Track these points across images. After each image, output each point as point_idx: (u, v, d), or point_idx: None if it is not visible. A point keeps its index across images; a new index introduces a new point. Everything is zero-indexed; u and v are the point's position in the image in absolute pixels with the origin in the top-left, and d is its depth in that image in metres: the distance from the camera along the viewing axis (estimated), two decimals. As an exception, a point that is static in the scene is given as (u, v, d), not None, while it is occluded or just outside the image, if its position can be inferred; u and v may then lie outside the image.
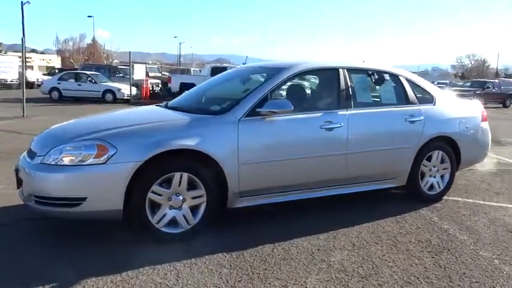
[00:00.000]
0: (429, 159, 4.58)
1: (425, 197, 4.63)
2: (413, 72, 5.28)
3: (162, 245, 3.32)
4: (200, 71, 30.58)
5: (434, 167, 4.63)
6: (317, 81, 4.56)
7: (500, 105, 23.51)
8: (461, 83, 31.36)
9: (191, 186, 3.41)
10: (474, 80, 30.44)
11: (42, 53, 69.43)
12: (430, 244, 3.54)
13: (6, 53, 32.67)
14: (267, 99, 3.75)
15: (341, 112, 4.06)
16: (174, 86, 21.01)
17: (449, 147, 4.66)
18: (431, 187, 4.66)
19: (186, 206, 3.41)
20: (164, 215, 3.35)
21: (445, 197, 4.79)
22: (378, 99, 4.67)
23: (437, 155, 4.60)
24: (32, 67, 42.24)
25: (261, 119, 3.68)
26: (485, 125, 5.02)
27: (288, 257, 3.20)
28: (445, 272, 3.04)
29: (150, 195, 3.26)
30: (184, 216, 3.40)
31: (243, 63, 30.76)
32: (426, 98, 4.66)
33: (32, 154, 3.45)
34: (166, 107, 4.41)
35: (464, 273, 3.03)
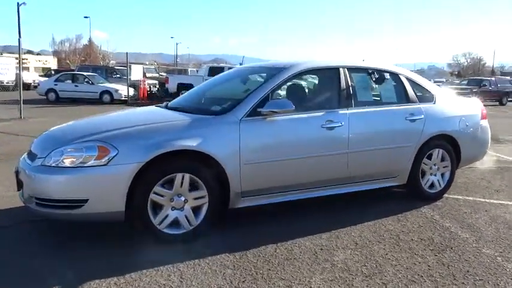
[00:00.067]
0: (429, 157, 4.58)
1: (426, 195, 4.64)
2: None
3: (165, 246, 3.31)
4: (197, 71, 30.59)
5: (434, 165, 4.64)
6: (317, 80, 4.56)
7: (497, 103, 23.60)
8: (457, 81, 31.46)
9: (193, 187, 3.39)
10: (471, 78, 30.53)
11: (38, 54, 69.18)
12: (432, 242, 3.54)
13: (1, 54, 32.54)
14: (268, 99, 3.74)
15: (342, 111, 4.05)
16: (172, 86, 20.97)
17: (450, 146, 4.67)
18: (432, 185, 4.67)
19: (188, 207, 3.40)
20: (166, 216, 3.34)
21: (445, 195, 4.79)
22: (379, 98, 4.67)
23: (437, 153, 4.61)
24: (28, 68, 42.09)
25: (262, 119, 3.67)
26: (484, 122, 5.03)
27: (291, 257, 3.19)
28: (448, 270, 3.04)
29: (152, 196, 3.25)
30: (186, 217, 3.39)
31: (240, 64, 30.78)
32: (426, 97, 4.66)
33: (32, 156, 3.43)
34: (166, 107, 4.39)
35: (467, 271, 3.03)
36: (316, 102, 4.25)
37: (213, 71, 20.43)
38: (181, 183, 3.33)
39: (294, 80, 4.23)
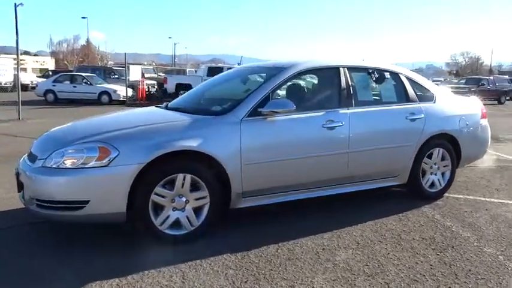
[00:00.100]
0: (430, 156, 4.58)
1: (426, 195, 4.64)
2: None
3: (166, 247, 3.30)
4: (196, 71, 30.55)
5: (435, 164, 4.64)
6: (318, 80, 4.55)
7: (496, 101, 23.64)
8: (456, 81, 31.52)
9: (194, 187, 3.39)
10: (469, 77, 30.59)
11: (35, 55, 69.04)
12: (434, 241, 3.54)
13: (-1, 55, 32.47)
14: (269, 99, 3.74)
15: (342, 111, 4.05)
16: (170, 86, 20.93)
17: (450, 145, 4.67)
18: (432, 184, 4.67)
19: (189, 208, 3.39)
20: (167, 217, 3.33)
21: (445, 194, 4.80)
22: (379, 98, 4.67)
23: (438, 152, 4.61)
24: (25, 69, 42.01)
25: (263, 119, 3.67)
26: (484, 121, 5.04)
27: (293, 257, 3.19)
28: (450, 270, 3.04)
29: (153, 197, 3.24)
30: (187, 217, 3.39)
31: (238, 63, 30.76)
32: (426, 96, 4.67)
33: (32, 157, 3.42)
34: (166, 108, 4.39)
35: (469, 270, 3.03)
36: (317, 102, 4.25)
37: (212, 71, 20.40)
38: (183, 183, 3.32)
39: (294, 80, 4.23)
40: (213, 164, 3.43)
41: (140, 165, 3.15)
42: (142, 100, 19.78)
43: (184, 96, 4.86)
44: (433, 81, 27.94)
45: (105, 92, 19.12)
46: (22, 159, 3.64)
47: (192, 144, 3.33)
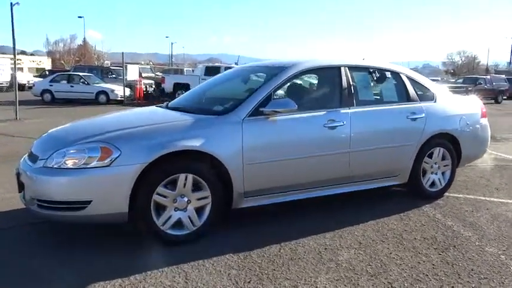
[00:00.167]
0: (430, 156, 4.59)
1: (427, 194, 4.64)
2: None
3: (168, 247, 3.29)
4: (193, 70, 30.49)
5: (435, 163, 4.65)
6: (319, 80, 4.54)
7: (493, 101, 23.72)
8: (453, 80, 31.61)
9: (196, 187, 3.38)
10: (466, 76, 30.69)
11: (31, 54, 68.74)
12: (435, 241, 3.54)
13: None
14: (270, 98, 3.73)
15: (343, 110, 4.05)
16: (168, 86, 20.90)
17: (450, 144, 4.67)
18: (433, 184, 4.68)
19: (191, 208, 3.38)
20: (169, 217, 3.32)
21: (446, 194, 4.81)
22: (380, 97, 4.67)
23: (438, 151, 4.62)
24: (21, 69, 41.84)
25: (265, 119, 3.66)
26: (484, 121, 5.04)
27: (296, 257, 3.18)
28: (453, 269, 3.04)
29: (155, 197, 3.23)
30: (189, 217, 3.37)
31: (235, 63, 30.73)
32: (427, 95, 4.67)
33: (33, 157, 3.40)
34: (167, 107, 4.37)
35: (472, 270, 3.03)
36: (318, 102, 4.24)
37: (210, 70, 20.40)
38: (184, 183, 3.31)
39: (295, 80, 4.22)
40: (215, 163, 3.42)
41: (142, 165, 3.14)
42: (140, 100, 19.73)
43: (184, 95, 4.85)
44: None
45: (103, 92, 19.08)
46: (22, 159, 3.62)
47: (194, 144, 3.32)
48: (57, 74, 21.73)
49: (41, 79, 24.44)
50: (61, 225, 3.70)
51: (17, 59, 13.21)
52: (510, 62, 53.52)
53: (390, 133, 4.28)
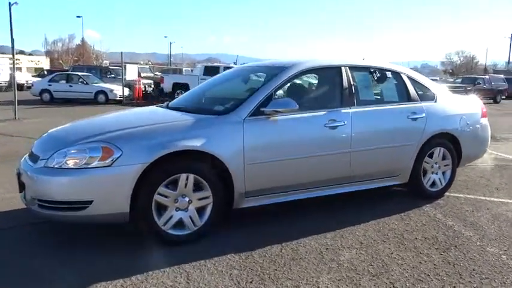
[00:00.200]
0: (431, 156, 4.59)
1: (427, 194, 4.65)
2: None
3: (170, 247, 3.29)
4: (192, 70, 30.46)
5: (436, 163, 4.65)
6: (320, 79, 4.54)
7: (491, 100, 23.76)
8: (451, 80, 31.65)
9: (197, 187, 3.37)
10: (465, 76, 30.74)
11: (30, 54, 68.59)
12: (436, 241, 3.54)
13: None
14: (271, 98, 3.73)
15: (344, 110, 4.05)
16: (167, 86, 20.87)
17: (451, 144, 4.68)
18: (433, 184, 4.68)
19: (192, 208, 3.38)
20: (171, 217, 3.31)
21: (446, 194, 4.81)
22: (380, 97, 4.67)
23: (438, 151, 4.62)
24: (20, 69, 41.78)
25: (265, 119, 3.66)
26: (484, 121, 5.05)
27: (297, 257, 3.18)
28: (454, 269, 3.04)
29: (156, 197, 3.22)
30: (190, 217, 3.37)
31: (234, 63, 30.71)
32: (427, 95, 4.67)
33: (34, 157, 3.39)
34: (167, 107, 4.37)
35: (473, 270, 3.04)
36: (319, 102, 4.23)
37: (208, 70, 20.39)
38: (186, 183, 3.30)
39: (295, 80, 4.21)
40: (216, 163, 3.42)
41: (143, 165, 3.13)
42: (139, 99, 19.72)
43: (185, 95, 4.84)
44: (429, 80, 28.03)
45: (102, 92, 19.06)
46: (23, 159, 3.61)
47: (196, 144, 3.32)
48: (56, 73, 21.70)
49: (40, 79, 24.41)
50: (62, 225, 3.69)
51: (16, 59, 13.18)
52: (508, 62, 53.59)
53: (391, 133, 4.28)
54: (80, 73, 20.64)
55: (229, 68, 18.59)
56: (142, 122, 3.60)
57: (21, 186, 3.44)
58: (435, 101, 4.65)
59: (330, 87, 4.28)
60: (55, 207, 3.15)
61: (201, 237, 3.41)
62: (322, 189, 4.03)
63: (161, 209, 3.29)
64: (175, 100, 4.73)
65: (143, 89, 20.93)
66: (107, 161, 3.10)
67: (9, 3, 13.15)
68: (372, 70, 4.49)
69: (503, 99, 25.51)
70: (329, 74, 4.27)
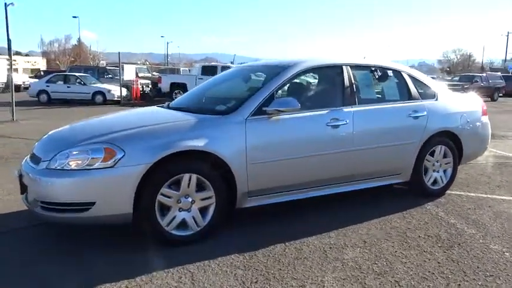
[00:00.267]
0: (432, 154, 4.59)
1: (429, 192, 4.65)
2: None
3: (173, 248, 3.28)
4: (189, 70, 30.43)
5: (437, 161, 4.65)
6: (321, 78, 4.53)
7: (489, 98, 23.80)
8: (449, 78, 31.72)
9: (200, 187, 3.36)
10: (462, 74, 30.80)
11: (26, 55, 68.42)
12: (440, 239, 3.54)
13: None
14: (273, 97, 3.72)
15: (346, 109, 4.05)
16: (165, 86, 20.85)
17: (452, 142, 4.68)
18: (435, 182, 4.68)
19: (195, 208, 3.37)
20: (174, 217, 3.30)
21: (447, 192, 4.81)
22: (382, 96, 4.67)
23: (440, 149, 4.62)
24: (16, 70, 41.63)
25: (267, 118, 3.65)
26: (485, 119, 5.06)
27: (301, 256, 3.18)
28: (458, 267, 3.05)
29: (159, 197, 3.21)
30: (193, 218, 3.36)
31: (231, 62, 30.67)
32: (428, 93, 4.67)
33: (36, 159, 3.37)
34: (168, 107, 4.35)
35: (477, 267, 3.04)
36: (320, 101, 4.21)
37: (206, 70, 20.37)
38: (189, 184, 3.29)
39: (297, 79, 4.21)
40: (219, 163, 3.40)
41: (146, 166, 3.12)
42: (137, 100, 19.69)
43: (185, 95, 4.83)
44: (427, 78, 28.04)
45: (99, 92, 18.99)
46: (24, 160, 3.59)
47: (198, 144, 3.31)
48: (54, 74, 21.61)
49: (37, 80, 24.33)
50: (65, 227, 3.68)
51: (12, 60, 13.13)
52: (505, 60, 53.76)
53: (393, 131, 4.28)
54: (77, 74, 20.55)
55: (227, 67, 18.59)
56: (144, 123, 3.58)
57: (23, 188, 3.42)
58: (436, 99, 4.66)
59: (332, 86, 4.27)
60: (58, 209, 3.13)
61: (204, 238, 3.40)
62: (324, 188, 4.03)
63: (164, 209, 3.28)
64: (176, 100, 4.72)
65: (141, 89, 20.89)
66: (109, 162, 3.09)
67: (5, 4, 13.09)
68: (373, 69, 4.49)
69: (501, 97, 25.59)
70: (330, 72, 4.27)
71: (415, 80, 4.65)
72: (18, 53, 61.23)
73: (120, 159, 3.10)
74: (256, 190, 3.63)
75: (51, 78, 19.83)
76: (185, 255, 3.16)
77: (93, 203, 3.07)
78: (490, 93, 24.14)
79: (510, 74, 32.61)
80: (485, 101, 5.38)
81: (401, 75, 4.60)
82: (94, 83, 19.84)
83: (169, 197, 3.26)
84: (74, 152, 3.17)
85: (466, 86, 21.71)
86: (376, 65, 4.53)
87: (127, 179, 3.10)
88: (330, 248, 3.34)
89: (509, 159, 6.97)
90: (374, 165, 4.24)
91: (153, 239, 3.32)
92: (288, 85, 4.10)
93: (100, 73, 23.37)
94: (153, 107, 4.73)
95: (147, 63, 45.58)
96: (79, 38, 61.15)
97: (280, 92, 4.03)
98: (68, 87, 19.21)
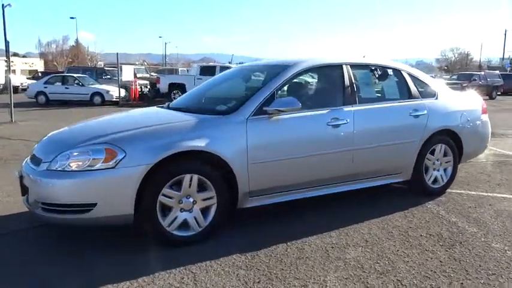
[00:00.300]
0: (432, 152, 4.59)
1: (429, 191, 4.65)
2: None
3: (175, 249, 3.27)
4: (188, 70, 30.39)
5: (437, 160, 4.65)
6: (322, 78, 4.52)
7: (487, 97, 23.84)
8: (447, 76, 31.76)
9: (201, 187, 3.36)
10: (461, 72, 30.84)
11: (23, 56, 68.30)
12: (441, 238, 3.54)
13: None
14: (274, 97, 3.72)
15: (346, 108, 4.04)
16: (163, 86, 20.82)
17: (452, 141, 4.68)
18: (435, 180, 4.68)
19: (196, 208, 3.36)
20: (175, 218, 3.29)
21: (448, 190, 4.81)
22: (382, 95, 4.67)
23: (440, 148, 4.63)
24: (14, 71, 41.55)
25: (268, 118, 3.64)
26: (485, 117, 5.07)
27: (303, 256, 3.17)
28: (460, 265, 3.04)
29: (160, 198, 3.20)
30: (195, 218, 3.35)
31: (229, 62, 30.66)
32: (428, 92, 4.67)
33: (36, 160, 3.36)
34: (168, 108, 4.35)
35: (480, 266, 3.04)
36: (321, 100, 4.21)
37: (205, 70, 20.35)
38: (190, 184, 3.28)
39: (298, 78, 4.20)
40: (220, 163, 3.40)
41: (148, 167, 3.11)
42: (136, 100, 19.67)
43: (186, 96, 4.82)
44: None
45: (98, 93, 18.97)
46: (24, 162, 3.58)
47: (199, 144, 3.30)
48: (52, 75, 21.55)
49: (34, 81, 24.27)
50: (65, 228, 3.66)
51: (10, 61, 13.09)
52: (503, 58, 53.84)
53: (393, 130, 4.27)
54: (75, 75, 20.51)
55: (225, 67, 18.56)
56: (144, 123, 3.57)
57: (24, 190, 3.41)
58: (436, 98, 4.66)
59: (332, 85, 4.26)
60: (59, 210, 3.12)
61: (206, 238, 3.39)
62: (325, 188, 4.03)
63: (166, 210, 3.27)
64: (176, 100, 4.71)
65: (139, 90, 20.85)
66: (111, 163, 3.08)
67: (2, 5, 13.06)
68: (373, 68, 4.49)
69: (499, 95, 25.63)
70: (331, 72, 4.27)
71: (415, 78, 4.66)
72: (15, 54, 61.15)
73: (121, 160, 3.09)
74: (258, 190, 3.62)
75: (49, 80, 19.79)
76: (187, 255, 3.16)
77: (95, 204, 3.06)
78: (489, 92, 24.18)
79: (508, 72, 32.69)
80: (483, 100, 5.38)
81: (401, 74, 4.61)
82: (92, 84, 19.80)
83: (170, 198, 3.25)
84: (75, 153, 3.16)
85: (464, 85, 21.73)
86: (376, 64, 4.52)
87: (128, 179, 3.10)
88: (332, 247, 3.33)
89: (509, 157, 6.98)
90: (375, 164, 4.24)
91: (155, 240, 3.31)
92: (288, 85, 4.09)
93: (98, 74, 23.33)
94: (153, 107, 4.72)
95: (145, 63, 45.51)
96: (77, 39, 61.16)
97: (280, 91, 4.02)
98: (66, 88, 19.18)
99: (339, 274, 2.90)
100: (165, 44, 67.68)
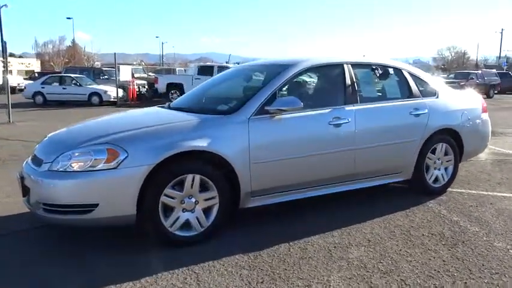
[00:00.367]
0: (433, 151, 4.59)
1: (430, 190, 4.65)
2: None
3: (177, 249, 3.26)
4: (185, 70, 30.34)
5: (438, 159, 4.65)
6: (323, 77, 4.51)
7: (484, 95, 23.89)
8: (444, 75, 31.80)
9: (203, 187, 3.34)
10: (458, 71, 30.90)
11: (20, 56, 68.05)
12: (443, 237, 3.54)
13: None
14: (275, 97, 3.70)
15: (348, 108, 4.04)
16: (161, 86, 20.79)
17: (453, 140, 4.68)
18: (436, 180, 4.68)
19: (199, 208, 3.35)
20: (177, 218, 3.28)
21: (449, 189, 4.81)
22: (383, 94, 4.66)
23: (441, 147, 4.62)
24: (11, 71, 41.38)
25: (270, 117, 3.63)
26: (485, 116, 5.07)
27: (306, 256, 3.16)
28: (463, 265, 3.04)
29: (163, 198, 3.19)
30: (197, 218, 3.34)
31: (226, 62, 30.64)
32: (429, 91, 4.67)
33: (37, 161, 3.34)
34: (169, 108, 4.33)
35: (483, 265, 3.03)
36: (322, 99, 4.20)
37: (203, 70, 20.34)
38: (192, 184, 3.27)
39: (299, 77, 4.19)
40: (222, 163, 3.38)
41: (150, 167, 3.09)
42: (133, 101, 19.62)
43: (186, 96, 4.81)
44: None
45: (95, 93, 18.93)
46: (25, 162, 3.56)
47: (201, 144, 3.29)
48: (49, 75, 21.48)
49: (31, 81, 24.19)
50: (66, 229, 3.64)
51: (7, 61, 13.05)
52: (499, 57, 54.02)
53: (394, 129, 4.27)
54: (73, 75, 20.46)
55: (223, 67, 18.54)
56: (146, 123, 3.55)
57: (25, 190, 3.39)
58: (437, 97, 4.66)
59: (333, 84, 4.26)
60: (60, 211, 3.10)
61: (208, 238, 3.38)
62: (326, 187, 4.02)
63: (168, 210, 3.25)
64: (176, 100, 4.69)
65: (137, 90, 20.81)
66: (113, 163, 3.06)
67: None
68: (374, 67, 4.48)
69: (496, 93, 25.68)
70: (332, 71, 4.26)
71: (415, 77, 4.65)
72: (12, 55, 60.80)
73: (123, 160, 3.08)
74: (260, 190, 3.61)
75: (46, 80, 19.74)
76: (189, 256, 3.14)
77: (96, 205, 3.04)
78: (486, 90, 24.22)
79: (505, 71, 32.79)
80: (481, 98, 5.37)
81: (402, 73, 4.60)
82: (90, 84, 19.76)
83: (172, 198, 3.23)
84: (77, 154, 3.14)
85: (462, 83, 21.76)
86: (377, 63, 4.52)
87: (130, 180, 3.08)
88: (335, 247, 3.33)
89: (509, 156, 6.99)
90: (376, 163, 4.23)
91: (157, 240, 3.30)
92: (289, 84, 4.08)
93: (96, 74, 23.29)
94: (153, 107, 4.70)
95: (143, 63, 45.42)
96: (73, 39, 60.98)
97: (281, 91, 4.01)
98: (64, 88, 19.14)
99: (342, 274, 2.90)
100: (162, 44, 67.61)
